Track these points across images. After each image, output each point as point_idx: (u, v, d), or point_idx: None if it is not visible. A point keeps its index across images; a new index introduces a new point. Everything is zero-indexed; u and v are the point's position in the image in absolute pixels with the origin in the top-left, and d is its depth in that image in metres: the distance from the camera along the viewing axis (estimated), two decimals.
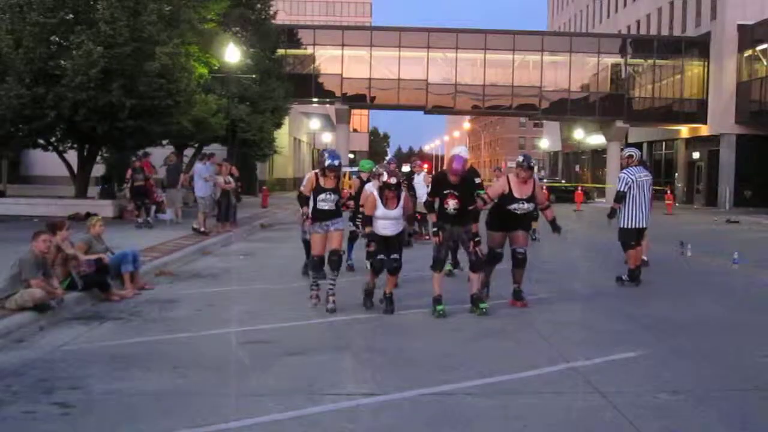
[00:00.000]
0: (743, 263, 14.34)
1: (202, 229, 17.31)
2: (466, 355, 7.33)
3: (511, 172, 10.10)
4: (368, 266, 9.69)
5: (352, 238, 12.76)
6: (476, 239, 9.25)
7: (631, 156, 12.35)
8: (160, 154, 23.02)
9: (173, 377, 6.47)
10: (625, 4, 58.53)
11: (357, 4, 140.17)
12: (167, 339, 7.88)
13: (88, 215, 13.98)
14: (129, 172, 20.06)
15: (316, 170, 9.58)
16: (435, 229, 9.26)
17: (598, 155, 57.11)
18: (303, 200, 9.70)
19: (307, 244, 11.31)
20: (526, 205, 9.75)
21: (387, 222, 9.39)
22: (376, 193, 9.43)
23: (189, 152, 29.94)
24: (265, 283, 11.55)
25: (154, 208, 21.15)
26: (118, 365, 6.76)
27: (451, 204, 9.16)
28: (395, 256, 9.32)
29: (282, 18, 48.91)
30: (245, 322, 8.69)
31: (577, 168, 65.51)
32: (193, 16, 22.72)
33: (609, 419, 5.57)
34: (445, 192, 9.23)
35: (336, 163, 9.36)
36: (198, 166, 18.89)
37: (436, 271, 9.31)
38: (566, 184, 50.35)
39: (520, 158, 9.91)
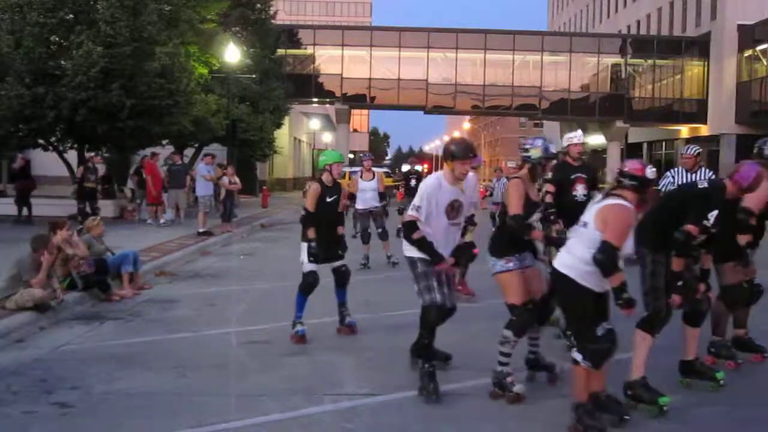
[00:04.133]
0: None
1: (202, 229, 17.29)
2: (464, 355, 7.31)
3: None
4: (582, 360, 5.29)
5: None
6: (678, 283, 6.02)
7: (699, 153, 9.88)
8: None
9: (173, 377, 6.48)
10: (625, 4, 58.53)
11: (357, 4, 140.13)
12: (167, 339, 7.89)
13: (88, 215, 13.98)
14: (81, 170, 19.12)
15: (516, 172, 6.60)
16: (681, 283, 5.98)
17: (598, 155, 57.10)
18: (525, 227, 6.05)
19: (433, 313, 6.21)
20: None
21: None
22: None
23: (189, 152, 29.91)
24: (265, 283, 11.55)
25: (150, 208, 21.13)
26: (119, 365, 6.76)
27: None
28: (609, 326, 5.30)
29: (282, 18, 48.87)
30: (245, 321, 8.70)
31: None
32: (193, 16, 22.72)
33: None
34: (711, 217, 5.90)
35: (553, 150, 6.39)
36: (200, 166, 18.95)
37: (653, 333, 6.01)
38: None
39: None
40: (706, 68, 46.13)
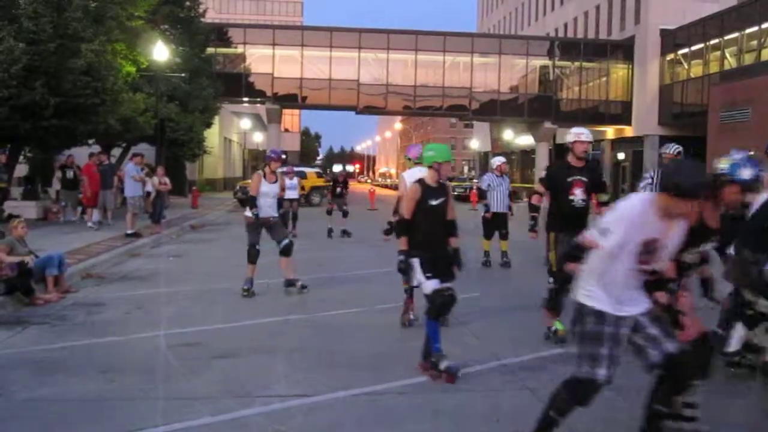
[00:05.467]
0: None
1: (130, 230, 16.97)
2: (397, 354, 7.36)
3: None
4: None
5: None
6: None
7: (680, 152, 9.45)
8: (85, 154, 22.45)
9: (100, 382, 6.33)
10: (552, 8, 59.65)
11: (288, 3, 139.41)
12: (94, 343, 7.71)
13: (10, 217, 13.58)
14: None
15: None
16: None
17: (527, 155, 58.09)
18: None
19: None
20: None
21: None
22: None
23: (117, 152, 29.32)
24: (195, 285, 11.41)
25: (80, 209, 20.77)
26: (43, 371, 6.58)
27: None
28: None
29: (212, 16, 48.35)
30: (175, 324, 8.56)
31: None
32: (120, 13, 22.25)
33: (537, 414, 5.66)
34: None
35: None
36: (129, 166, 18.61)
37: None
38: None
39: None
40: (630, 71, 47.40)
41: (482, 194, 14.44)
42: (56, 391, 6.07)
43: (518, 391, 6.20)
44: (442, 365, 6.32)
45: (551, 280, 7.68)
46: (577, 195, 7.67)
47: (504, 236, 14.18)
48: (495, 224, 14.18)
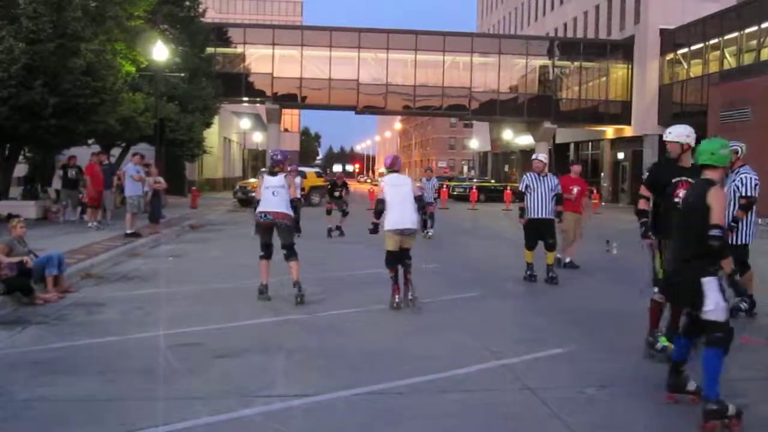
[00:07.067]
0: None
1: (130, 230, 16.96)
2: (397, 354, 7.36)
3: None
4: None
5: None
6: None
7: (737, 152, 9.05)
8: (85, 154, 22.46)
9: (100, 382, 6.33)
10: (552, 7, 59.67)
11: (288, 3, 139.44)
12: (94, 343, 7.70)
13: (10, 216, 13.58)
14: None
15: None
16: None
17: (526, 155, 57.96)
18: None
19: None
20: None
21: None
22: None
23: (116, 152, 29.31)
24: (195, 285, 11.40)
25: (79, 209, 20.77)
26: (43, 371, 6.58)
27: None
28: None
29: (211, 16, 48.39)
30: (174, 324, 8.55)
31: (506, 168, 66.55)
32: (119, 13, 22.24)
33: (537, 414, 5.67)
34: None
35: None
36: (128, 166, 18.63)
37: None
38: (496, 184, 51.12)
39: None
40: (630, 71, 47.42)
41: (520, 196, 12.58)
42: (55, 391, 6.06)
43: (518, 391, 6.20)
44: (732, 410, 5.25)
45: (656, 290, 7.09)
46: (681, 197, 6.80)
47: (550, 247, 12.15)
48: (537, 232, 12.09)
